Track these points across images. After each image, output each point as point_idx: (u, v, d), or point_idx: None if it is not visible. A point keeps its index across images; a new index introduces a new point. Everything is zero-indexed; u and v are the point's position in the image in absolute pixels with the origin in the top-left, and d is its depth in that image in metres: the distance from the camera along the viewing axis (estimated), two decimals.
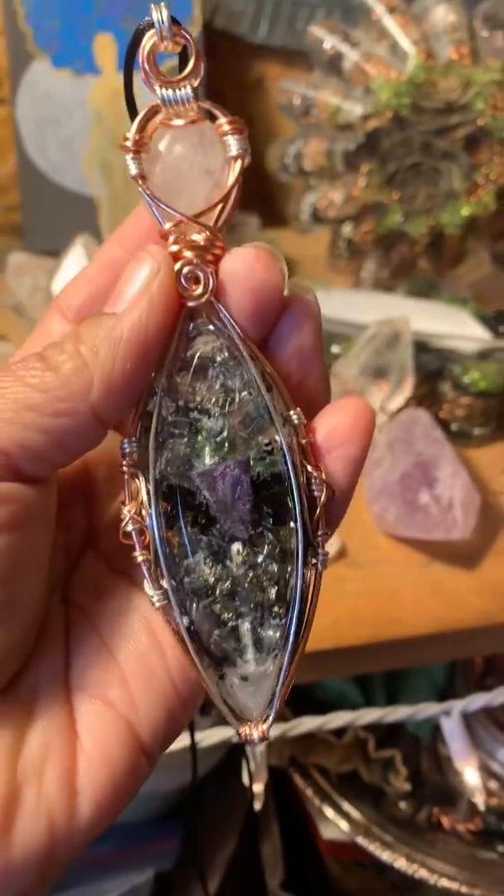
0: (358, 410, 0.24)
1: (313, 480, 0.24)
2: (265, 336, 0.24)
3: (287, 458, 0.23)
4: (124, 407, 0.23)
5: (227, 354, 0.24)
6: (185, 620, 0.24)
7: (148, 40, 0.23)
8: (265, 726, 0.24)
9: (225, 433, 0.23)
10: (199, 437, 0.23)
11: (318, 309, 0.24)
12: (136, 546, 0.23)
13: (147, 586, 0.24)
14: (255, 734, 0.24)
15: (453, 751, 0.56)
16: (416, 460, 0.58)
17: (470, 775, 0.56)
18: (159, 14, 0.23)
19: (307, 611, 0.24)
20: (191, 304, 0.23)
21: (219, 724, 0.69)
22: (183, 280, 0.23)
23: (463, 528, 0.56)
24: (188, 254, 0.23)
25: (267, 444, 0.24)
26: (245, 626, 0.24)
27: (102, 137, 0.81)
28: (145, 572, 0.24)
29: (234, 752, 0.57)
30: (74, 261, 0.67)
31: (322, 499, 0.24)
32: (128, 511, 0.23)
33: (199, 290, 0.23)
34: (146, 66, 0.23)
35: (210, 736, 0.56)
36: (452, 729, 0.55)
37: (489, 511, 0.61)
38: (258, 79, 0.89)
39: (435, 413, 0.66)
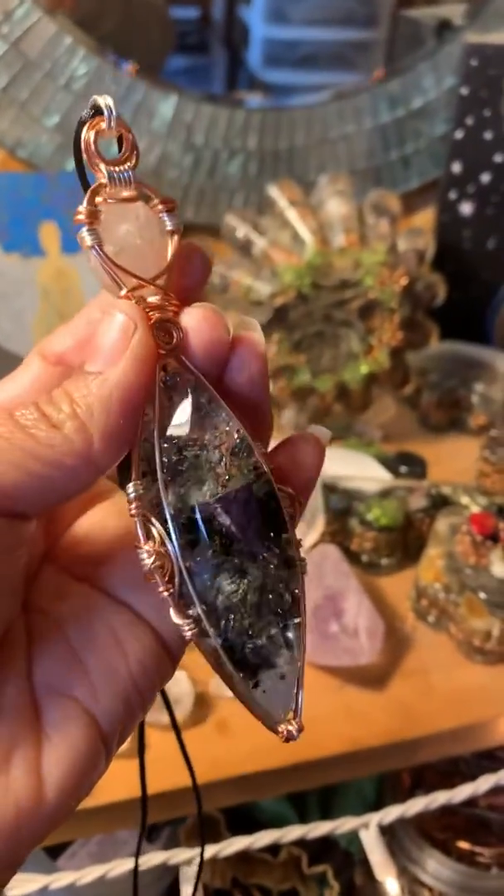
0: (318, 442, 0.28)
1: (280, 499, 0.26)
2: (219, 376, 0.26)
3: (271, 479, 0.26)
4: (119, 455, 0.25)
5: (205, 396, 0.26)
6: (220, 640, 0.25)
7: (94, 125, 0.25)
8: (298, 720, 0.27)
9: (223, 463, 0.25)
10: (202, 471, 0.25)
11: (262, 342, 0.27)
12: (159, 582, 0.25)
13: (175, 617, 0.25)
14: (293, 729, 0.26)
15: (373, 863, 0.60)
16: (326, 593, 0.65)
17: (391, 885, 0.60)
18: (105, 101, 0.25)
19: (301, 620, 0.26)
20: (168, 354, 0.25)
21: (162, 849, 0.73)
22: (158, 332, 0.25)
23: (369, 652, 0.63)
24: (152, 314, 0.25)
25: (255, 468, 0.26)
26: (275, 631, 0.26)
27: (49, 310, 0.92)
28: (172, 604, 0.25)
29: (176, 882, 0.61)
30: None
31: (296, 514, 0.27)
32: (147, 550, 0.25)
33: (172, 341, 0.25)
34: (93, 147, 0.25)
35: (153, 858, 0.60)
36: (371, 842, 0.60)
37: (396, 634, 0.68)
38: None
39: (346, 546, 0.74)
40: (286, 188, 0.84)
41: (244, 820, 0.72)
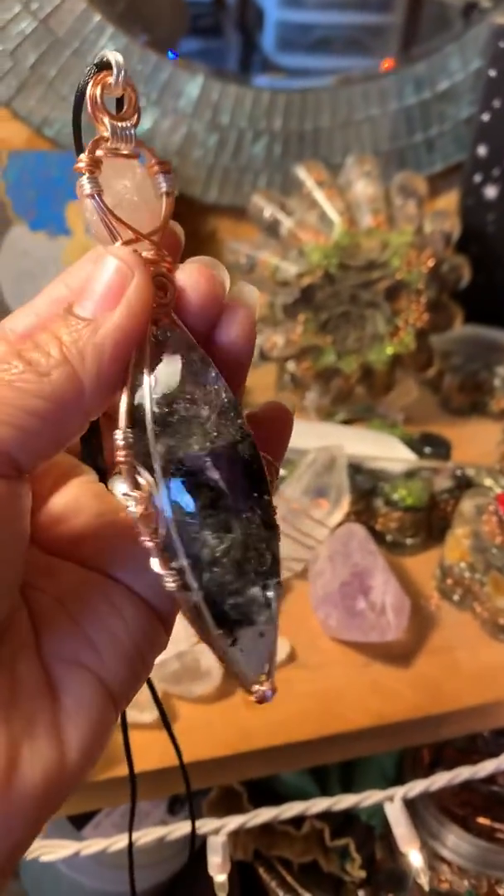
0: (287, 413, 0.28)
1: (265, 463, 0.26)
2: (208, 335, 0.26)
3: (254, 442, 0.26)
4: (105, 405, 0.25)
5: (196, 355, 0.26)
6: (202, 594, 0.25)
7: (101, 80, 0.25)
8: (271, 681, 0.26)
9: (212, 420, 0.25)
10: (192, 426, 0.25)
11: (256, 305, 0.26)
12: (143, 532, 0.25)
13: (157, 568, 0.25)
14: (266, 689, 0.26)
15: (397, 835, 0.61)
16: (353, 570, 0.66)
17: (414, 857, 0.61)
18: (115, 57, 0.25)
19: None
20: (162, 309, 0.25)
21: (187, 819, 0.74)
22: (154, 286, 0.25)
23: (395, 630, 0.63)
24: (158, 261, 0.25)
25: (241, 428, 0.26)
26: (257, 589, 0.26)
27: None
28: (156, 555, 0.25)
29: (202, 850, 0.62)
30: None
31: (273, 480, 0.27)
32: (135, 497, 0.24)
33: (167, 297, 0.25)
34: (98, 100, 0.26)
35: (180, 828, 0.61)
36: (395, 814, 0.61)
37: (421, 613, 0.69)
38: (211, 232, 1.02)
39: (371, 526, 0.75)
40: (313, 169, 0.84)
41: (266, 793, 0.73)
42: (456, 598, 0.69)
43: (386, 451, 0.76)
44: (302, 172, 0.84)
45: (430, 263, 0.80)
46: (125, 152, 0.26)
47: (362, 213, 0.80)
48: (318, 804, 0.62)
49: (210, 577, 0.25)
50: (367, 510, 0.74)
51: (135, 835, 0.59)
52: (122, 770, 0.57)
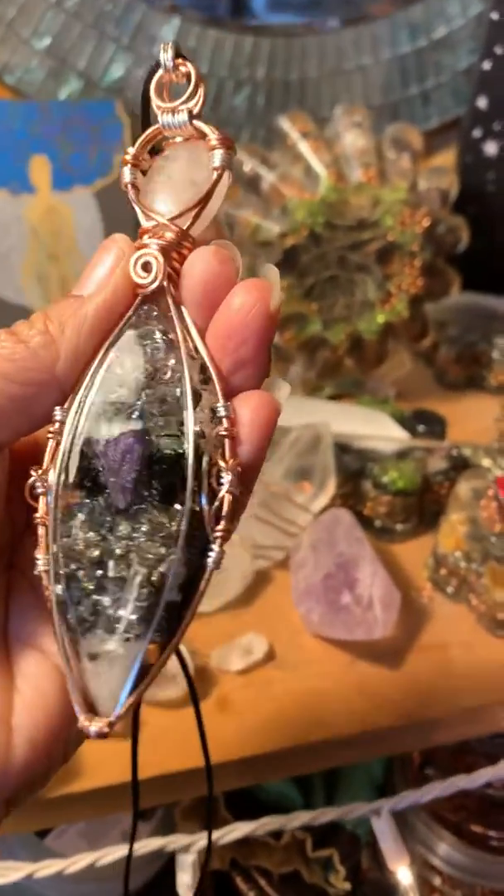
0: (270, 400, 0.25)
1: (222, 474, 0.24)
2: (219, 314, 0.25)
3: (191, 443, 0.23)
4: (79, 375, 0.25)
5: (159, 338, 0.25)
6: (59, 588, 0.24)
7: (155, 72, 0.26)
8: (110, 719, 0.23)
9: (136, 407, 0.24)
10: (112, 408, 0.24)
11: (274, 286, 0.25)
12: (40, 508, 0.24)
13: (37, 549, 0.24)
14: (93, 728, 0.22)
15: (385, 851, 0.56)
16: (338, 561, 0.60)
17: (403, 874, 0.56)
18: (164, 53, 0.25)
19: (186, 605, 0.23)
20: (141, 290, 0.25)
21: (155, 830, 0.69)
22: (138, 267, 0.25)
23: (383, 626, 0.57)
24: (154, 246, 0.25)
25: (178, 425, 0.24)
26: (104, 601, 0.23)
27: (38, 251, 0.85)
28: (40, 536, 0.24)
29: (171, 862, 0.57)
30: None
31: (224, 494, 0.23)
32: (36, 472, 0.24)
33: (149, 278, 0.25)
34: (154, 96, 0.26)
35: (147, 844, 0.56)
36: (383, 829, 0.56)
37: (412, 606, 0.63)
38: None
39: (359, 510, 0.68)
40: (298, 120, 0.76)
41: (245, 799, 0.68)
42: (450, 589, 0.63)
43: (376, 429, 0.69)
44: (286, 123, 0.76)
45: (426, 223, 0.73)
46: (178, 140, 0.26)
47: (351, 167, 0.73)
48: (299, 817, 0.56)
49: (64, 570, 0.24)
50: (354, 493, 0.68)
51: (94, 855, 0.54)
52: (79, 785, 0.51)
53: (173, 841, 0.55)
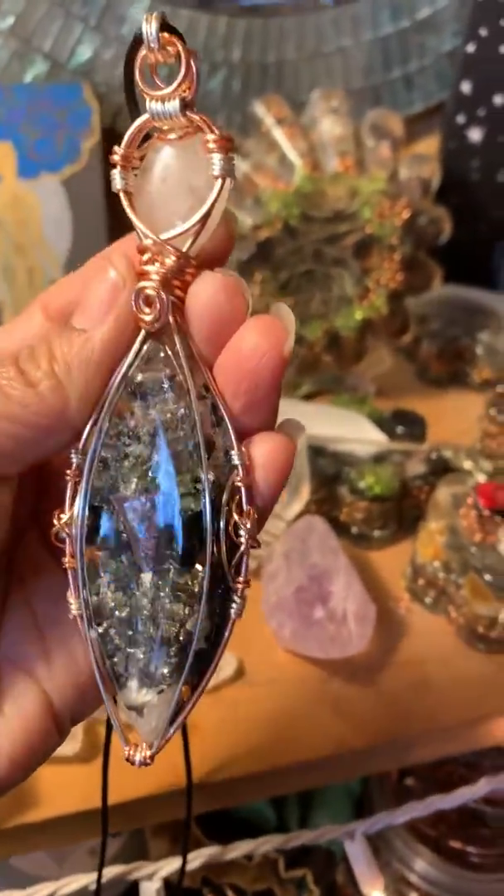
0: (287, 441, 0.25)
1: (240, 528, 0.23)
2: (224, 352, 0.24)
3: (208, 500, 0.23)
4: (88, 415, 0.24)
5: (168, 385, 0.24)
6: (93, 634, 0.25)
7: (138, 51, 0.23)
8: (150, 752, 0.24)
9: (151, 463, 0.24)
10: (126, 464, 0.24)
11: (288, 328, 0.24)
12: (67, 553, 0.24)
13: (69, 593, 0.25)
14: (137, 757, 0.24)
15: (358, 874, 0.54)
16: (311, 573, 0.57)
17: None
18: (148, 25, 0.22)
19: (213, 649, 0.24)
20: (144, 326, 0.23)
21: (121, 848, 0.67)
22: (140, 302, 0.23)
23: (358, 642, 0.55)
24: (154, 277, 0.23)
25: (193, 482, 0.23)
26: (136, 657, 0.24)
27: (4, 243, 0.81)
28: (70, 580, 0.25)
29: (135, 887, 0.54)
30: None
31: (243, 546, 0.24)
32: (61, 518, 0.24)
33: (152, 315, 0.23)
34: (139, 79, 0.23)
35: (109, 872, 0.53)
36: (356, 852, 0.54)
37: (389, 618, 0.61)
38: None
39: (334, 516, 0.66)
40: (273, 104, 0.73)
41: (217, 816, 0.65)
42: (428, 600, 0.61)
43: (352, 431, 0.67)
44: (260, 108, 0.73)
45: (406, 215, 0.70)
46: (171, 136, 0.23)
47: (328, 156, 0.70)
48: (270, 841, 0.54)
49: (98, 625, 0.25)
50: (329, 499, 0.65)
51: (54, 884, 0.51)
52: (36, 815, 0.49)
53: (137, 868, 0.53)
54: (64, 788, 0.49)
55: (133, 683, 0.24)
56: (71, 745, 0.51)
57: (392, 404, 0.75)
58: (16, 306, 0.83)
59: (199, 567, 0.24)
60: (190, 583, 0.24)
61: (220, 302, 0.23)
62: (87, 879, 0.51)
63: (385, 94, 0.92)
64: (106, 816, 0.41)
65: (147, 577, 0.24)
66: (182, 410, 0.23)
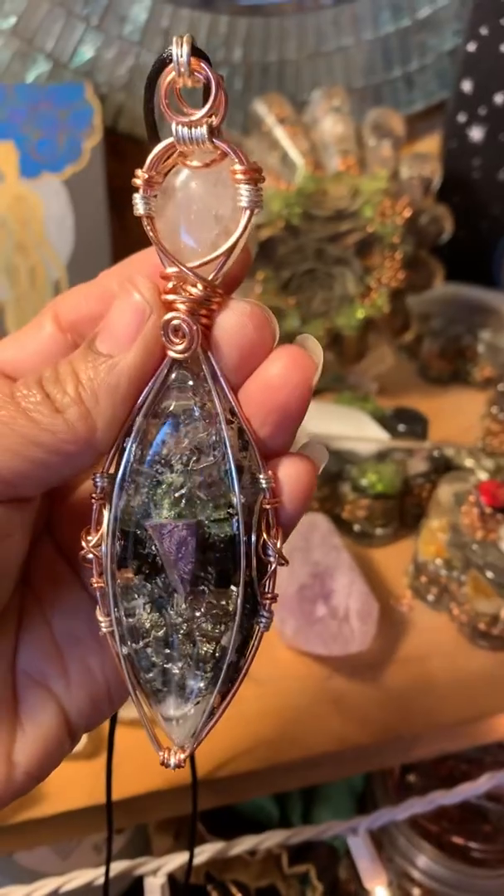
0: (309, 463, 0.25)
1: (269, 547, 0.24)
2: (253, 379, 0.24)
3: (240, 526, 0.24)
4: (113, 440, 0.24)
5: (199, 413, 0.24)
6: (125, 650, 0.25)
7: (166, 74, 0.22)
8: (183, 756, 0.26)
9: (184, 490, 0.24)
10: (159, 490, 0.24)
11: (315, 357, 0.24)
12: (94, 573, 0.25)
13: (98, 612, 0.25)
14: (172, 760, 0.26)
15: (361, 870, 0.54)
16: (314, 571, 0.57)
17: (380, 894, 0.54)
18: (179, 48, 0.21)
19: (241, 665, 0.26)
20: (174, 356, 0.23)
21: (126, 843, 0.67)
22: (169, 332, 0.23)
23: (361, 639, 0.55)
24: (181, 306, 0.23)
25: (226, 507, 0.24)
26: (172, 673, 0.25)
27: (6, 242, 0.81)
28: (98, 599, 0.25)
29: (139, 882, 0.55)
30: None
31: (273, 566, 0.25)
32: (88, 542, 0.25)
33: (183, 345, 0.23)
34: (163, 101, 0.22)
35: (114, 868, 0.54)
36: (359, 847, 0.54)
37: (392, 615, 0.61)
38: None
39: (337, 514, 0.66)
40: (275, 103, 0.73)
41: (220, 812, 0.66)
42: (430, 598, 0.61)
43: (354, 429, 0.67)
44: (261, 107, 0.73)
45: (407, 214, 0.70)
46: (195, 164, 0.23)
47: (330, 155, 0.70)
48: (273, 837, 0.54)
49: (132, 642, 0.25)
50: (332, 497, 0.66)
51: (59, 879, 0.52)
52: (42, 810, 0.49)
53: (142, 863, 0.53)
54: (69, 784, 0.50)
55: (171, 699, 0.26)
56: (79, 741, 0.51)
57: (394, 403, 0.75)
58: (18, 305, 0.83)
59: (233, 588, 0.24)
60: (224, 602, 0.25)
61: (249, 332, 0.23)
62: (92, 874, 0.51)
63: (386, 93, 0.92)
64: (110, 811, 0.42)
65: (182, 598, 0.25)
66: (213, 437, 0.24)
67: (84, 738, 0.52)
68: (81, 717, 0.27)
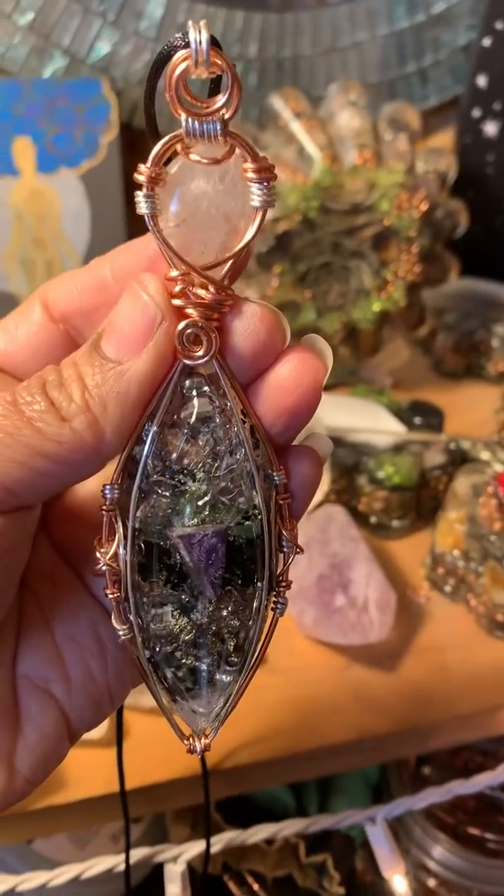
0: (315, 456, 0.26)
1: (284, 540, 0.25)
2: (263, 381, 0.24)
3: (263, 524, 0.24)
4: (122, 448, 0.24)
5: (219, 419, 0.24)
6: (147, 653, 0.25)
7: (179, 62, 0.20)
8: (207, 741, 0.27)
9: (208, 497, 0.24)
10: (183, 499, 0.24)
11: (326, 360, 0.24)
12: (108, 584, 0.24)
13: (114, 620, 0.25)
14: (199, 746, 0.26)
15: (379, 858, 0.54)
16: (332, 561, 0.58)
17: (398, 883, 0.54)
18: (197, 34, 0.20)
19: (259, 652, 0.26)
20: (191, 363, 0.23)
21: (144, 832, 0.67)
22: (185, 340, 0.22)
23: (379, 629, 0.56)
24: (192, 311, 0.22)
25: (246, 509, 0.24)
26: (202, 670, 0.26)
27: (23, 236, 0.82)
28: (113, 609, 0.25)
29: (159, 869, 0.55)
30: None
31: (291, 557, 0.25)
32: (103, 553, 0.24)
33: (201, 352, 0.23)
34: (174, 91, 0.21)
35: (135, 855, 0.54)
36: (377, 836, 0.54)
37: (409, 607, 0.61)
38: None
39: (354, 506, 0.66)
40: (291, 98, 0.73)
41: (237, 802, 0.66)
42: (448, 589, 0.61)
43: (371, 421, 0.67)
44: (278, 102, 0.73)
45: (423, 208, 0.70)
46: (204, 160, 0.21)
47: (346, 149, 0.70)
48: (292, 825, 0.55)
49: (159, 646, 0.25)
50: (349, 489, 0.66)
51: (80, 866, 0.52)
52: (63, 797, 0.49)
53: (162, 850, 0.53)
54: (90, 771, 0.50)
55: (203, 693, 0.26)
56: (97, 729, 0.52)
57: (408, 397, 0.76)
58: None
59: (258, 584, 0.25)
60: (250, 598, 0.25)
61: (262, 336, 0.23)
62: (113, 861, 0.52)
63: (400, 88, 0.92)
64: (125, 798, 0.42)
65: (210, 600, 0.25)
66: (234, 440, 0.24)
67: (105, 725, 0.52)
68: (83, 720, 0.27)
